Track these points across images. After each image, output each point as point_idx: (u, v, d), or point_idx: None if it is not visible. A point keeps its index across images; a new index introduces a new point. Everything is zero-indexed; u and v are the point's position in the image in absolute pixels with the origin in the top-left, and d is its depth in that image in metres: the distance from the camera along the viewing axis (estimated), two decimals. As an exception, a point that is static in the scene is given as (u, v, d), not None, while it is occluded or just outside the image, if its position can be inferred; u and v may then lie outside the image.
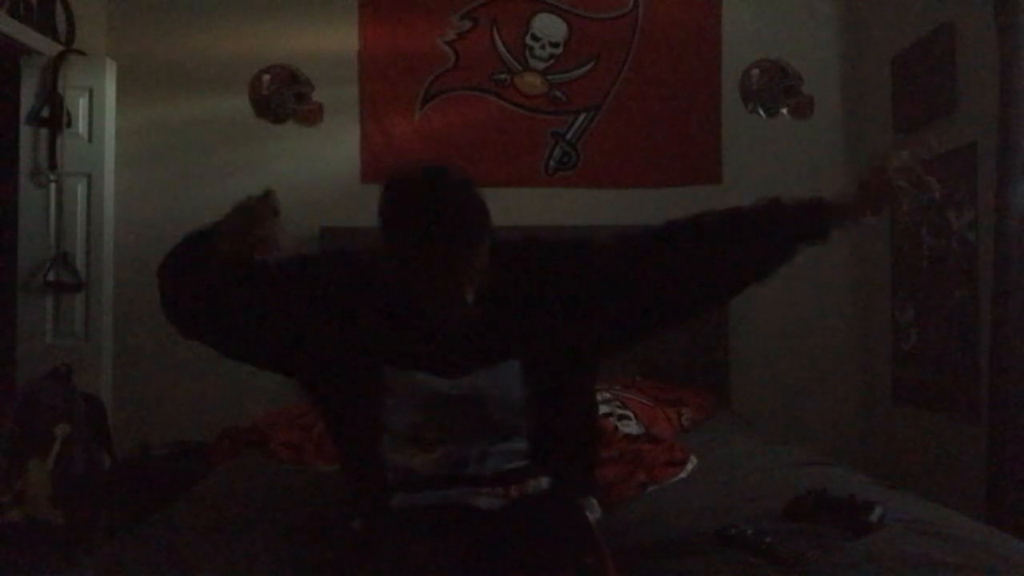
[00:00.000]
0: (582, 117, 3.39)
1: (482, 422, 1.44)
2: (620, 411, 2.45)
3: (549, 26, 3.39)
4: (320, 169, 3.37)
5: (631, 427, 2.42)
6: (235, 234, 1.45)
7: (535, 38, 3.39)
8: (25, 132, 3.10)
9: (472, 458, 1.42)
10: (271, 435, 2.48)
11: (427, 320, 1.43)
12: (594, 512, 1.54)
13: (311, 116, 3.38)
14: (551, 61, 3.39)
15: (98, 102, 3.14)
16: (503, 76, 3.39)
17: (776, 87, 3.41)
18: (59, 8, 3.07)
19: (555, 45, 3.39)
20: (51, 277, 3.06)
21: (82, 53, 3.14)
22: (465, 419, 1.43)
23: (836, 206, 1.52)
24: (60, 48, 3.07)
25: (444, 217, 1.29)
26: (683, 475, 2.08)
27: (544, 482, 1.45)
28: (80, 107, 3.12)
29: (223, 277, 1.46)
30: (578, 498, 1.52)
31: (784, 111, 3.42)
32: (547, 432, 1.47)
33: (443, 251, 1.30)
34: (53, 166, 3.06)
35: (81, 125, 3.12)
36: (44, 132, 3.07)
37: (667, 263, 1.50)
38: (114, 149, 3.21)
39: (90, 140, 3.13)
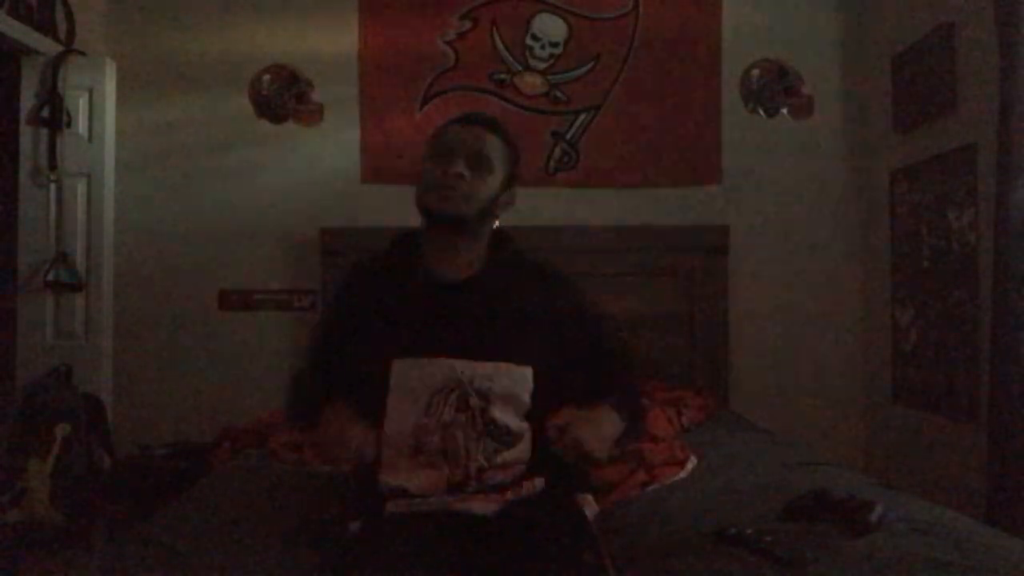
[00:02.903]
0: (582, 117, 3.39)
1: (485, 426, 1.44)
2: (620, 411, 2.45)
3: (549, 26, 3.39)
4: (320, 169, 3.37)
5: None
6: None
7: (535, 38, 3.39)
8: (25, 132, 3.10)
9: (472, 476, 1.42)
10: (271, 435, 2.48)
11: (441, 298, 1.50)
12: (591, 508, 1.54)
13: (311, 116, 3.38)
14: (551, 61, 3.39)
15: (98, 102, 3.13)
16: (503, 76, 3.39)
17: (776, 87, 3.41)
18: (59, 8, 3.07)
19: (555, 45, 3.39)
20: (51, 277, 3.05)
21: (82, 53, 3.14)
22: (469, 422, 1.43)
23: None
24: (60, 48, 3.07)
25: (458, 118, 1.60)
26: (683, 475, 2.08)
27: (539, 483, 1.45)
28: (80, 107, 3.11)
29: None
30: (574, 495, 1.52)
31: (784, 111, 3.42)
32: (548, 440, 1.47)
33: (451, 130, 1.54)
34: (53, 166, 3.05)
35: (81, 125, 3.12)
36: (44, 132, 3.07)
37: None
38: (114, 149, 3.21)
39: (90, 140, 3.13)
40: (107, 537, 2.66)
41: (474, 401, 1.43)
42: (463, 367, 1.44)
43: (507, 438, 1.45)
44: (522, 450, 1.46)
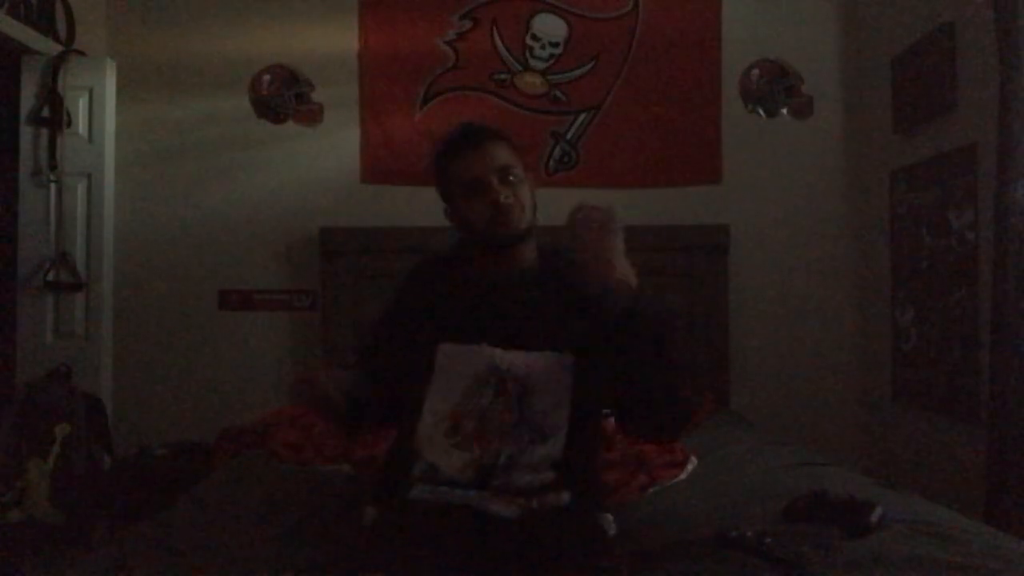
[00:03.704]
0: (582, 117, 3.39)
1: (521, 414, 1.44)
2: (620, 411, 2.45)
3: (549, 26, 3.39)
4: (320, 169, 3.37)
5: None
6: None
7: (535, 38, 3.39)
8: (25, 132, 3.10)
9: (500, 467, 1.42)
10: (271, 435, 2.48)
11: (493, 291, 1.54)
12: (611, 528, 1.54)
13: (311, 116, 3.38)
14: (551, 61, 3.39)
15: (98, 102, 3.13)
16: (503, 76, 3.39)
17: (776, 87, 3.41)
18: (59, 8, 3.07)
19: (555, 45, 3.39)
20: (51, 277, 3.06)
21: (82, 53, 3.14)
22: (506, 407, 1.44)
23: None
24: (60, 48, 3.07)
25: (459, 132, 1.60)
26: (683, 476, 2.08)
27: (565, 497, 1.45)
28: (80, 107, 3.11)
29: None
30: (596, 513, 1.53)
31: (784, 111, 3.42)
32: (579, 437, 1.48)
33: (467, 159, 1.55)
34: (53, 166, 3.06)
35: (81, 125, 3.12)
36: (44, 132, 3.07)
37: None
38: (114, 149, 3.21)
39: (90, 140, 3.13)
40: (107, 537, 2.66)
41: (512, 388, 1.45)
42: (503, 355, 1.46)
43: (542, 428, 1.45)
44: (553, 446, 1.45)
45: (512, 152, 1.59)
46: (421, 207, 3.20)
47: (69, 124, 3.09)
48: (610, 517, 1.56)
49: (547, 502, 1.42)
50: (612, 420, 1.76)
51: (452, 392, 1.47)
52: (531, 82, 3.39)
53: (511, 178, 1.55)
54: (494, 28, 3.38)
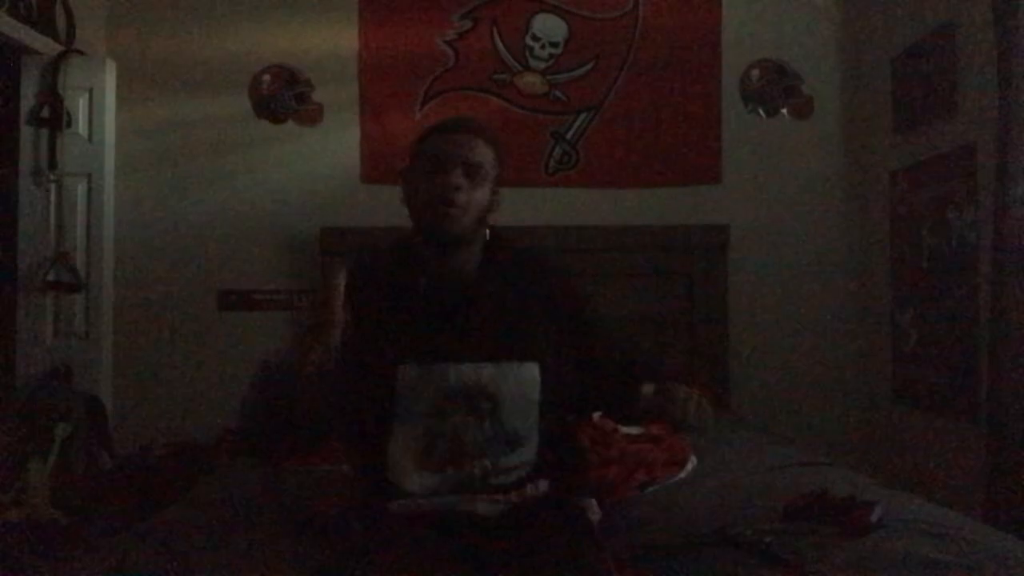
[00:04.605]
0: (582, 117, 3.39)
1: (493, 428, 1.43)
2: (620, 411, 2.45)
3: (549, 26, 3.39)
4: (320, 169, 3.37)
5: (631, 426, 2.41)
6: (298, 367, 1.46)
7: (535, 38, 3.39)
8: (25, 132, 3.09)
9: (476, 479, 1.42)
10: (271, 435, 2.47)
11: (444, 300, 1.48)
12: (594, 514, 1.54)
13: (311, 116, 3.38)
14: (551, 61, 3.39)
15: (98, 102, 3.13)
16: (503, 76, 3.39)
17: (776, 87, 3.41)
18: (59, 8, 3.07)
19: (555, 45, 3.39)
20: (51, 277, 3.05)
21: (82, 53, 3.14)
22: (478, 424, 1.43)
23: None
24: (60, 48, 3.07)
25: (451, 118, 1.63)
26: (683, 475, 2.08)
27: (543, 485, 1.45)
28: (80, 107, 3.11)
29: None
30: (578, 500, 1.53)
31: (784, 111, 3.42)
32: (553, 440, 1.48)
33: (442, 139, 1.52)
34: (53, 166, 3.05)
35: (81, 125, 3.12)
36: (44, 132, 3.07)
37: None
38: (114, 149, 3.21)
39: (90, 140, 3.13)
40: (107, 537, 2.66)
41: (482, 404, 1.43)
42: (469, 371, 1.43)
43: (515, 440, 1.44)
44: (528, 452, 1.45)
45: (489, 154, 1.53)
46: (421, 207, 3.20)
47: (69, 124, 3.08)
48: (593, 502, 1.56)
49: (526, 493, 1.42)
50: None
51: (420, 415, 1.43)
52: (531, 82, 3.39)
53: (474, 175, 1.48)
54: (494, 28, 3.38)
